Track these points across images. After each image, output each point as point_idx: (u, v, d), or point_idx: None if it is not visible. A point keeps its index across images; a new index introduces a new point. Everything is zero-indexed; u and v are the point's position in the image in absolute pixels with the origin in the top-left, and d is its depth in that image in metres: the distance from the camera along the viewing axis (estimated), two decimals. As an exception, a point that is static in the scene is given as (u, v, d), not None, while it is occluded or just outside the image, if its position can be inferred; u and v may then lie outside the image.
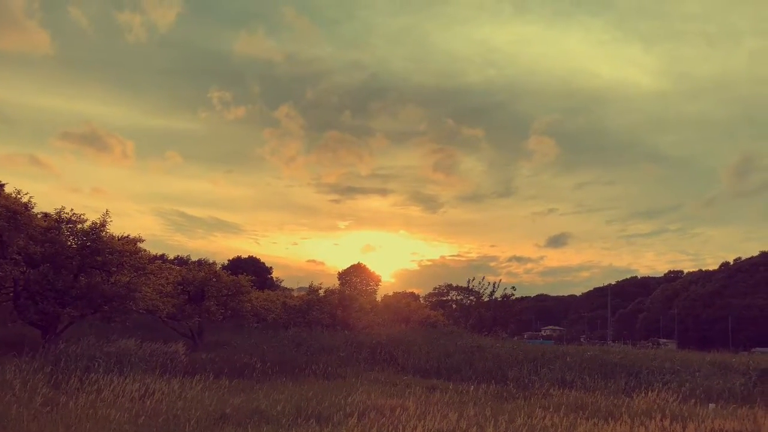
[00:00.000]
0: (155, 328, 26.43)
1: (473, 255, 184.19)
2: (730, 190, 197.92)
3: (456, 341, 29.05)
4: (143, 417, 10.16)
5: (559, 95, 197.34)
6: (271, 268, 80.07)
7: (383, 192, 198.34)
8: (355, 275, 76.82)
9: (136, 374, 14.30)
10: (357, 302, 40.19)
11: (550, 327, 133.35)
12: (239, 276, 29.26)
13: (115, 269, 20.64)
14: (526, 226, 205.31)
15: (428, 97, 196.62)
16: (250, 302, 30.27)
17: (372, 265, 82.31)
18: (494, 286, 55.97)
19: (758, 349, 73.21)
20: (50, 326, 19.54)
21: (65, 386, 12.41)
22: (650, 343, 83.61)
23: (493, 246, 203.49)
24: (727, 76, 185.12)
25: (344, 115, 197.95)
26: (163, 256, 57.99)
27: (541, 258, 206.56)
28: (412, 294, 71.33)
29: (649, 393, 17.32)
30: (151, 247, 39.34)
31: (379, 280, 78.84)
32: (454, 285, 65.25)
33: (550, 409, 13.64)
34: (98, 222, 20.35)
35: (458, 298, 64.31)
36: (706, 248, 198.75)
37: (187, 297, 26.78)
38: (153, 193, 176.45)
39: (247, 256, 77.77)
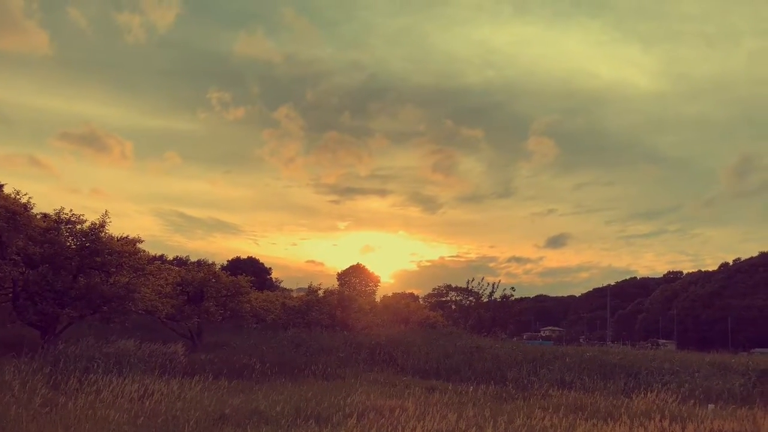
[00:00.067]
0: (154, 329, 26.43)
1: (472, 255, 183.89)
2: (729, 191, 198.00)
3: (455, 342, 29.09)
4: (142, 418, 10.17)
5: (559, 96, 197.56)
6: (270, 268, 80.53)
7: (382, 193, 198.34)
8: (354, 276, 76.70)
9: (135, 375, 14.31)
10: (356, 303, 40.18)
11: (550, 328, 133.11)
12: (238, 277, 29.27)
13: (114, 270, 20.65)
14: (525, 227, 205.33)
15: (427, 97, 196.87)
16: (250, 303, 30.25)
17: (371, 266, 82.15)
18: (493, 287, 56.24)
19: (757, 349, 73.30)
20: (49, 327, 19.54)
21: (64, 387, 12.42)
22: (649, 344, 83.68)
23: (492, 247, 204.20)
24: (726, 76, 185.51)
25: (343, 116, 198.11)
26: (162, 256, 58.19)
27: (541, 259, 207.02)
28: (411, 295, 71.44)
29: (649, 394, 17.34)
30: (150, 248, 39.25)
31: (379, 281, 78.78)
32: (454, 286, 65.50)
33: (550, 410, 13.65)
34: (97, 223, 20.39)
35: (457, 298, 64.53)
36: (705, 249, 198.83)
37: (186, 298, 26.77)
38: (152, 194, 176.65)
39: (246, 257, 78.25)
